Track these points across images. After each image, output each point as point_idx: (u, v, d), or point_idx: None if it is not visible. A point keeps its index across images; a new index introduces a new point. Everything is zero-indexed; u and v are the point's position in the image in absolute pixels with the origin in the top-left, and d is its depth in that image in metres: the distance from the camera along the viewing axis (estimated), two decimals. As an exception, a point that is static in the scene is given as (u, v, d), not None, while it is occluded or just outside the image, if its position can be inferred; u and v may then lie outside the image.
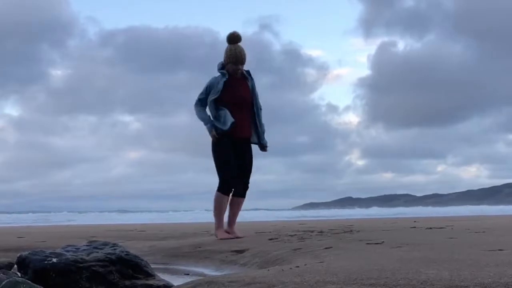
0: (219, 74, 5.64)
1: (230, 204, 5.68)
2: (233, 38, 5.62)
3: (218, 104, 5.56)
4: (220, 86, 5.55)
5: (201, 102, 5.64)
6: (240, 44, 5.67)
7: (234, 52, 5.58)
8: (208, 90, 5.61)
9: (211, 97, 5.57)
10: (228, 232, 5.65)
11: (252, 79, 5.75)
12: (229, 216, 5.74)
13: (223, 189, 5.57)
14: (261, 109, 5.79)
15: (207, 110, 5.66)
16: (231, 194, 5.64)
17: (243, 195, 5.71)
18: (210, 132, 5.54)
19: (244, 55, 5.63)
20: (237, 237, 5.55)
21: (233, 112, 5.53)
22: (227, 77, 5.59)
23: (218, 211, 5.62)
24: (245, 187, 5.70)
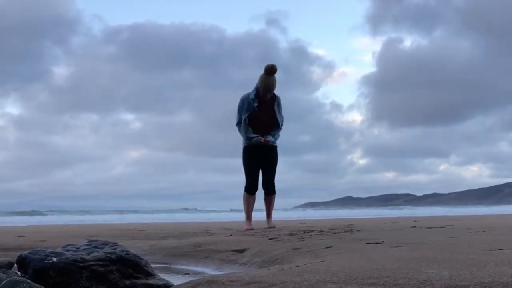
0: (250, 95, 6.76)
1: (264, 202, 7.06)
2: (269, 71, 6.59)
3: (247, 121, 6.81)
4: (250, 109, 6.74)
5: (241, 122, 6.83)
6: (274, 79, 6.68)
7: (267, 82, 6.62)
8: (240, 110, 6.82)
9: (243, 117, 6.80)
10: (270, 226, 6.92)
11: (278, 98, 6.86)
12: (266, 211, 7.12)
13: (247, 189, 6.90)
14: (281, 125, 6.94)
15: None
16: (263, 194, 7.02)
17: (271, 193, 7.00)
18: (257, 140, 6.77)
19: (274, 85, 6.67)
20: (271, 227, 6.73)
21: (256, 130, 6.80)
22: (256, 104, 6.74)
23: (245, 207, 6.98)
24: (269, 187, 6.96)
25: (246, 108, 6.77)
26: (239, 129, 6.88)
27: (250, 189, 6.90)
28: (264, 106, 6.82)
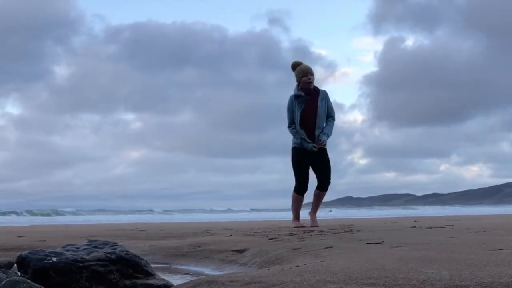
0: (295, 93, 6.93)
1: (314, 196, 7.15)
2: (295, 64, 7.01)
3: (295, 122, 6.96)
4: (296, 110, 6.90)
5: (293, 123, 6.98)
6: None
7: (301, 67, 6.92)
8: (290, 109, 6.97)
9: (296, 115, 6.94)
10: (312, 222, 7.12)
11: (321, 93, 6.96)
12: (312, 206, 7.25)
13: (296, 190, 7.08)
14: (333, 119, 7.05)
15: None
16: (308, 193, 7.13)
17: (324, 189, 7.06)
18: (311, 149, 6.87)
19: (310, 68, 6.93)
20: (313, 226, 6.86)
21: (303, 125, 6.89)
22: (299, 97, 6.89)
23: (293, 207, 7.19)
24: (325, 182, 7.02)
25: (296, 105, 6.90)
26: (291, 130, 6.99)
27: (300, 191, 7.07)
28: (309, 101, 6.93)
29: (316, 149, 6.85)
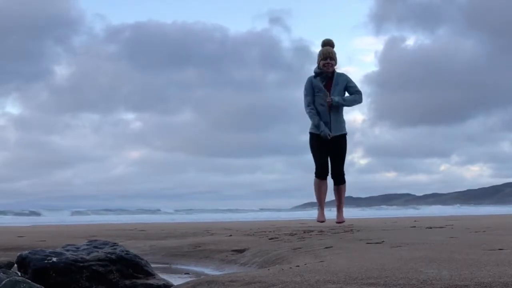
0: (310, 77, 6.73)
1: (334, 193, 6.88)
2: (325, 43, 6.79)
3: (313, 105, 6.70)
4: (314, 87, 6.65)
5: (310, 105, 6.71)
6: (330, 47, 6.74)
7: (322, 50, 6.67)
8: (307, 91, 6.71)
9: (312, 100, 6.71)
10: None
11: (336, 77, 6.66)
12: (336, 204, 6.98)
13: (316, 173, 6.70)
14: (358, 93, 6.69)
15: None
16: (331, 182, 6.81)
17: (339, 183, 6.78)
18: (325, 136, 6.57)
19: (332, 52, 6.66)
20: (338, 222, 6.71)
21: (321, 111, 6.63)
22: (318, 76, 6.64)
23: (316, 194, 6.82)
24: (337, 176, 6.74)
25: (313, 89, 6.66)
26: (309, 111, 6.72)
27: (320, 173, 6.69)
28: (325, 86, 6.65)
29: (329, 138, 6.59)
